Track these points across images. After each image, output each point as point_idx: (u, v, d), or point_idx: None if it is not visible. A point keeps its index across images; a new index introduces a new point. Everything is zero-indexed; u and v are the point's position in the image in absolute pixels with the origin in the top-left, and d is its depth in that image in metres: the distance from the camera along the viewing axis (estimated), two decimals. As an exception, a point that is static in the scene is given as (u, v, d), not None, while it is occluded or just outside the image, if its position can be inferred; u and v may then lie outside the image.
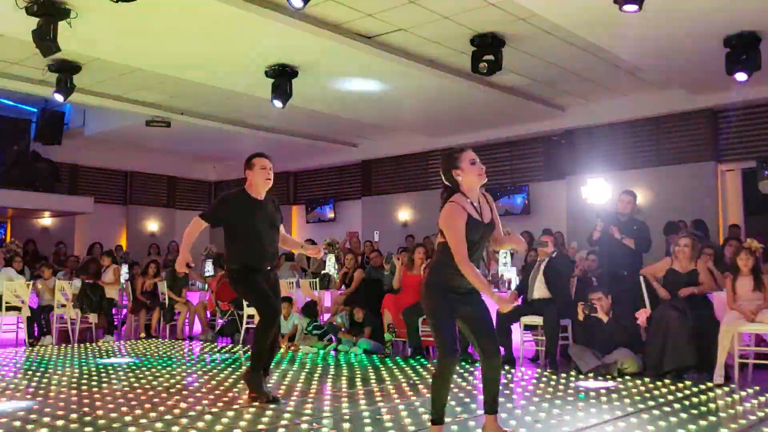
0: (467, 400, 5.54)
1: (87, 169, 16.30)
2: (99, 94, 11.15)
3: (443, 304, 3.96)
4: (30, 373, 6.97)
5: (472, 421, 4.72)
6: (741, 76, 8.32)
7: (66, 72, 9.63)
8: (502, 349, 7.58)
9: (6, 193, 13.77)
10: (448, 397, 4.18)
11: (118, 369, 7.19)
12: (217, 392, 5.66)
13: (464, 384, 6.33)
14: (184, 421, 4.58)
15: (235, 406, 5.05)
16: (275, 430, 4.35)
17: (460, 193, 3.95)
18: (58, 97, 9.90)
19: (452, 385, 4.31)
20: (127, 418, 4.70)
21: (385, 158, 15.13)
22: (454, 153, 4.05)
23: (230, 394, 5.57)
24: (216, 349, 9.22)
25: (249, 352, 5.72)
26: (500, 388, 4.16)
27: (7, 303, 9.48)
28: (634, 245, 7.62)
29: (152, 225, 17.21)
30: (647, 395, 5.64)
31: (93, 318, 10.29)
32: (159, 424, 4.52)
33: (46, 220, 16.25)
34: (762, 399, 5.51)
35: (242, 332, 9.83)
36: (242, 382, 5.52)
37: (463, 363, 7.66)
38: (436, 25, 8.25)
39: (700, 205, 10.67)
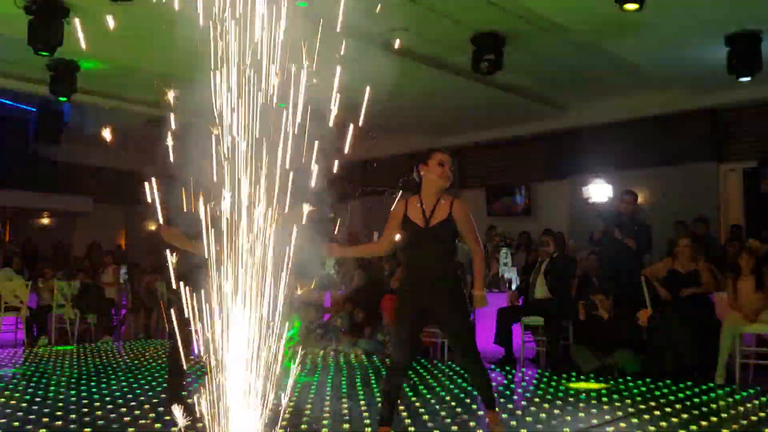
0: (468, 400, 5.53)
1: (87, 169, 16.27)
2: (99, 94, 11.13)
3: (401, 304, 3.99)
4: (29, 373, 6.96)
5: (473, 421, 4.71)
6: (741, 75, 8.31)
7: (66, 72, 9.60)
8: (501, 349, 7.60)
9: (5, 193, 13.74)
10: (398, 401, 4.05)
11: (118, 369, 7.18)
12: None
13: (464, 384, 6.32)
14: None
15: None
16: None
17: (415, 195, 4.06)
18: (58, 97, 9.88)
19: (401, 390, 4.15)
20: (127, 418, 4.69)
21: (385, 158, 15.10)
22: (428, 150, 4.14)
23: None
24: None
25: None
26: (492, 384, 4.14)
27: (6, 303, 9.47)
28: (635, 245, 7.61)
29: (152, 225, 17.18)
30: (648, 395, 5.63)
31: (92, 318, 10.28)
32: (159, 425, 4.51)
33: (46, 220, 16.23)
34: (763, 399, 5.50)
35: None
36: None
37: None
38: (436, 25, 8.23)
39: (700, 205, 10.64)
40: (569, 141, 12.48)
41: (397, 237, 3.92)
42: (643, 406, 5.17)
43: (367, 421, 4.57)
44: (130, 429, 4.38)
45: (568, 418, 4.74)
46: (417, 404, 5.22)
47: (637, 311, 7.01)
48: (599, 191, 10.37)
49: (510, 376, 6.94)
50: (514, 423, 4.62)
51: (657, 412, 4.93)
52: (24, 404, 5.23)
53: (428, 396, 5.61)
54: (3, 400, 5.43)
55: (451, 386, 6.18)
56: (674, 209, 10.13)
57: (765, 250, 7.85)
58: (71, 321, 10.08)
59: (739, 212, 11.04)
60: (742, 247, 7.14)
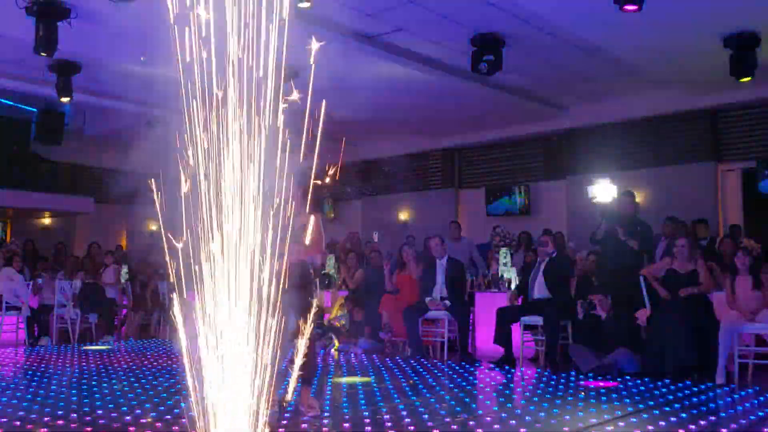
0: (467, 400, 5.54)
1: (87, 169, 16.27)
2: (99, 94, 11.14)
3: None
4: (30, 373, 6.97)
5: (473, 420, 4.72)
6: (741, 76, 8.33)
7: (66, 72, 9.62)
8: (501, 349, 7.61)
9: (6, 193, 13.76)
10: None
11: (118, 369, 7.19)
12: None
13: (464, 384, 6.34)
14: (184, 421, 4.58)
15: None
16: (275, 430, 4.35)
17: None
18: (59, 97, 9.90)
19: None
20: (127, 418, 4.70)
21: (385, 158, 15.13)
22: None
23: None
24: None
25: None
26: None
27: (7, 303, 9.47)
28: (638, 247, 7.62)
29: (152, 225, 17.20)
30: (647, 395, 5.64)
31: (93, 318, 10.28)
32: (159, 424, 4.52)
33: (46, 220, 16.24)
34: (762, 399, 5.51)
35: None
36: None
37: (463, 363, 7.66)
38: (436, 25, 8.24)
39: (699, 205, 10.67)
40: (568, 141, 12.51)
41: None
42: (642, 406, 5.19)
43: (368, 421, 4.58)
44: (131, 429, 4.40)
45: (568, 417, 4.75)
46: (417, 404, 5.23)
47: (636, 311, 7.02)
48: (603, 191, 10.35)
49: (509, 376, 6.95)
50: (513, 422, 4.63)
51: (656, 412, 4.94)
52: (24, 404, 5.24)
53: (428, 396, 5.62)
54: (3, 399, 5.45)
55: (451, 386, 6.19)
56: (673, 209, 10.15)
57: (762, 249, 7.85)
58: (72, 321, 10.10)
59: (738, 212, 11.06)
60: (736, 246, 7.15)
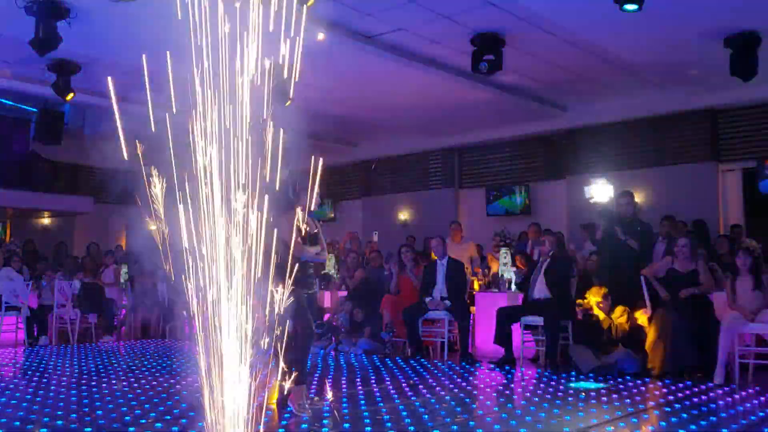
0: (467, 400, 5.54)
1: (87, 169, 16.27)
2: (99, 94, 11.13)
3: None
4: (30, 373, 6.97)
5: (473, 421, 4.72)
6: (742, 76, 8.32)
7: (66, 72, 9.61)
8: (501, 349, 7.61)
9: (6, 193, 13.75)
10: None
11: (118, 369, 7.19)
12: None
13: (464, 384, 6.33)
14: (184, 421, 4.58)
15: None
16: (275, 430, 4.36)
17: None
18: (58, 97, 9.89)
19: None
20: (127, 418, 4.70)
21: (385, 158, 15.13)
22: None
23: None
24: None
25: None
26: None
27: (6, 303, 9.47)
28: (638, 247, 7.61)
29: (152, 225, 17.16)
30: (647, 395, 5.64)
31: (93, 318, 10.28)
32: (159, 425, 4.52)
33: (46, 220, 16.24)
34: (762, 399, 5.51)
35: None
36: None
37: (463, 363, 7.66)
38: (436, 25, 8.24)
39: (700, 205, 10.67)
40: (569, 141, 12.51)
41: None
42: (642, 406, 5.19)
43: (368, 421, 4.58)
44: (131, 429, 4.40)
45: (568, 417, 4.75)
46: (417, 404, 5.22)
47: (636, 311, 7.02)
48: (601, 191, 10.37)
49: (510, 376, 6.95)
50: (514, 423, 4.63)
51: (656, 412, 4.95)
52: (24, 404, 5.24)
53: (428, 396, 5.62)
54: (3, 400, 5.44)
55: (451, 386, 6.19)
56: (673, 209, 10.14)
57: (763, 249, 7.86)
58: (72, 321, 10.09)
59: (738, 212, 11.06)
60: (735, 246, 7.15)
